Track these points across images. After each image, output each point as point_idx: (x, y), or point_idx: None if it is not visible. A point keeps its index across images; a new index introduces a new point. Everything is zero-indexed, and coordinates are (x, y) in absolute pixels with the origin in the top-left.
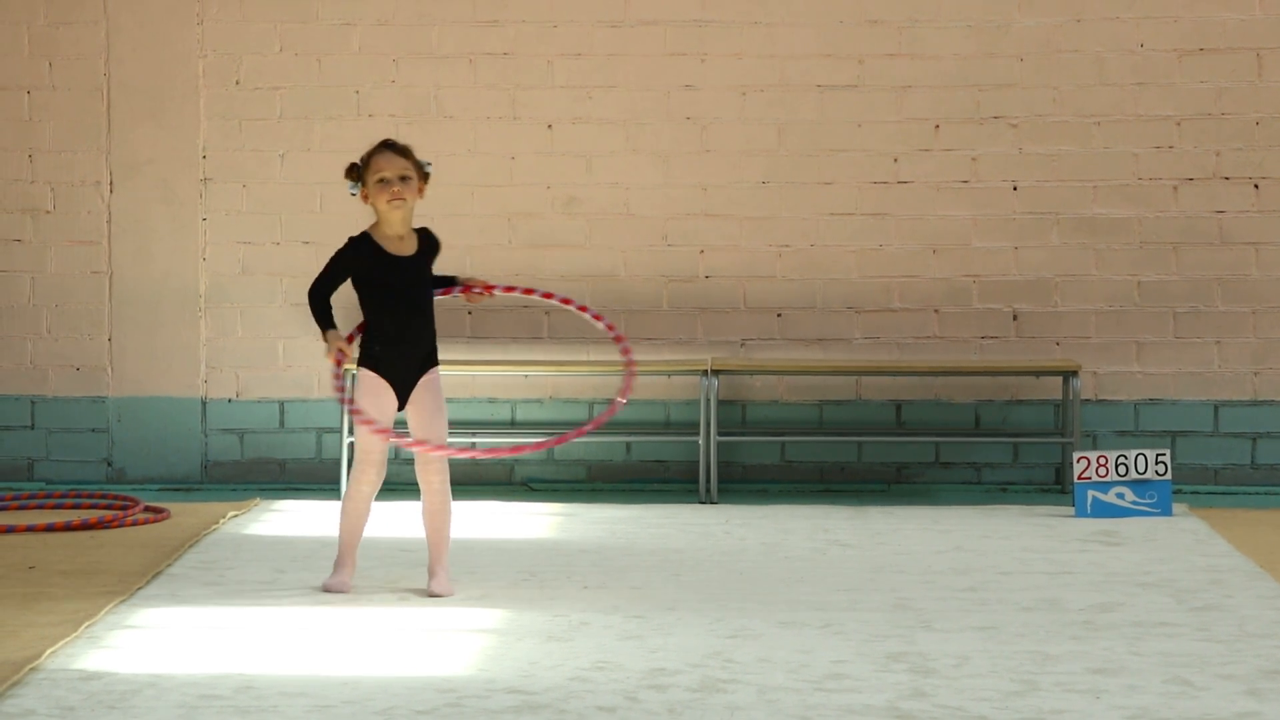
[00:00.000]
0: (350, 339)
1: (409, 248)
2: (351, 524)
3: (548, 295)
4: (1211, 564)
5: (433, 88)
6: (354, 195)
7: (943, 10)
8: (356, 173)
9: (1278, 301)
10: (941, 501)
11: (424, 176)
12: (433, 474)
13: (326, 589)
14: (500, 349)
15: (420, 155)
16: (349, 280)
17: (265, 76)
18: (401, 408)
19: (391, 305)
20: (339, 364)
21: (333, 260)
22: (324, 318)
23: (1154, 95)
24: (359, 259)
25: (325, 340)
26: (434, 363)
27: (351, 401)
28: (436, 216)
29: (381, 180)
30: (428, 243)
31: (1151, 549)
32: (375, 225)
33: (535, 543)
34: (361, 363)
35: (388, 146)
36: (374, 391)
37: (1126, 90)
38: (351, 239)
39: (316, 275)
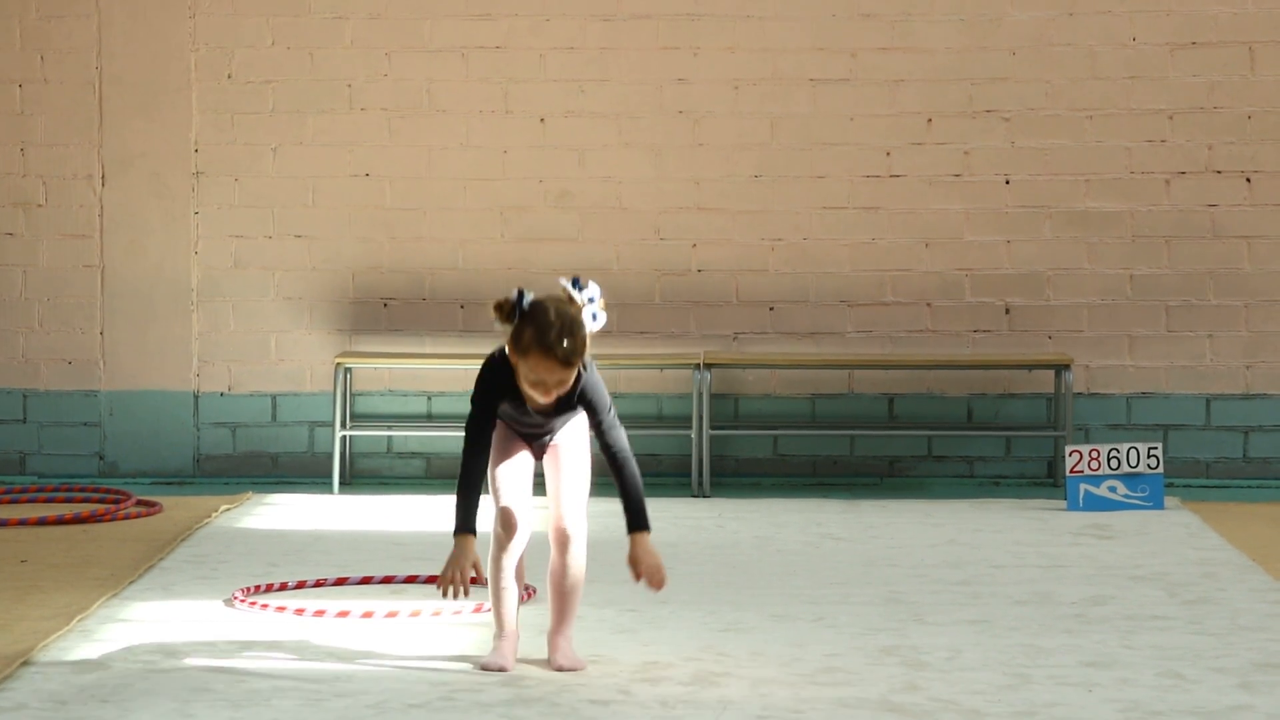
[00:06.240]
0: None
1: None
2: (493, 593)
3: None
4: (1204, 557)
5: (425, 81)
6: (495, 327)
7: (935, 4)
8: (508, 319)
9: (1270, 295)
10: (934, 495)
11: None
12: (564, 541)
13: (484, 668)
14: (494, 342)
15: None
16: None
17: (257, 70)
18: (539, 457)
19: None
20: (448, 590)
21: (481, 390)
22: (467, 502)
23: (1146, 89)
24: (502, 386)
25: (455, 544)
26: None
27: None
28: (429, 210)
29: (537, 382)
30: (569, 402)
31: (1143, 542)
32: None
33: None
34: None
35: (553, 354)
36: (501, 446)
37: (1119, 84)
38: (492, 361)
39: (468, 418)
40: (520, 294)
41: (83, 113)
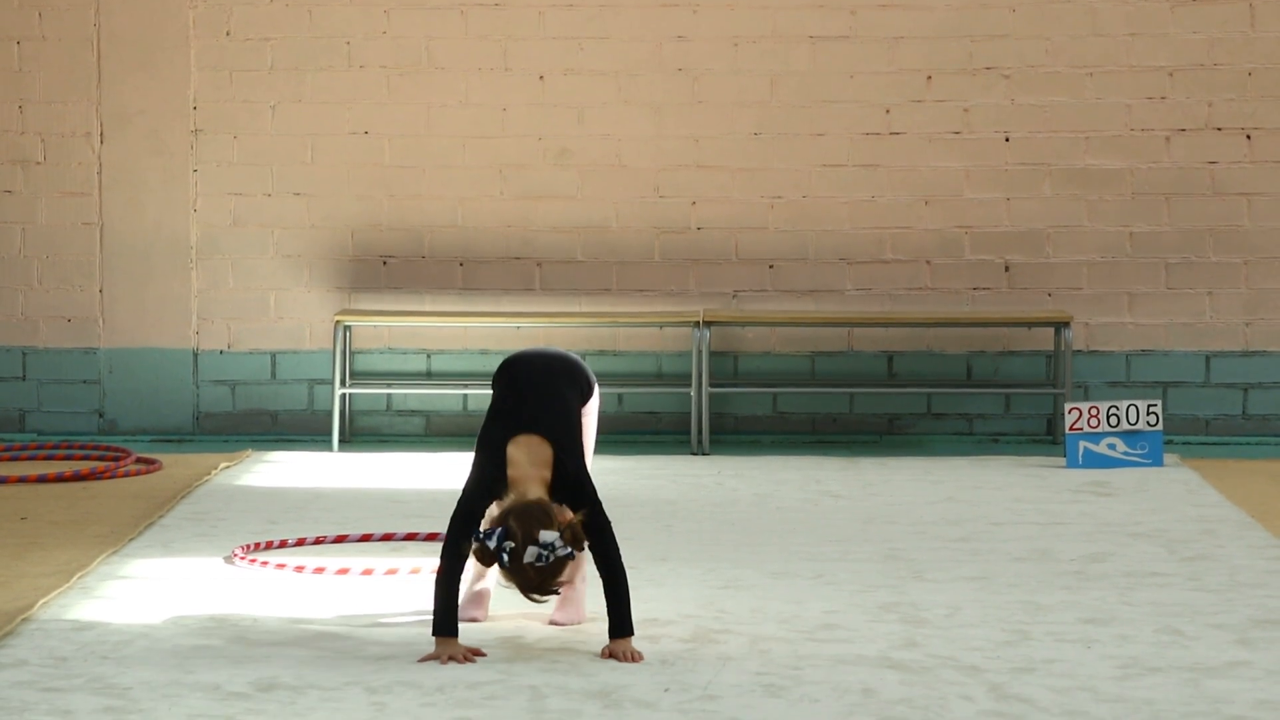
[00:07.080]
0: (475, 652)
1: None
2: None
3: None
4: (1202, 514)
5: (424, 39)
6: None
7: None
8: (487, 565)
9: (1269, 252)
10: (933, 452)
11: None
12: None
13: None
14: (492, 300)
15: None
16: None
17: (256, 27)
18: None
19: None
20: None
21: (471, 493)
22: (447, 601)
23: (1147, 46)
24: (494, 493)
25: (436, 644)
26: None
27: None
28: (428, 168)
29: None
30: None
31: (1143, 499)
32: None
33: None
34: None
35: (533, 600)
36: None
37: (1119, 41)
38: (484, 474)
39: (454, 516)
40: (500, 550)
41: (81, 70)
